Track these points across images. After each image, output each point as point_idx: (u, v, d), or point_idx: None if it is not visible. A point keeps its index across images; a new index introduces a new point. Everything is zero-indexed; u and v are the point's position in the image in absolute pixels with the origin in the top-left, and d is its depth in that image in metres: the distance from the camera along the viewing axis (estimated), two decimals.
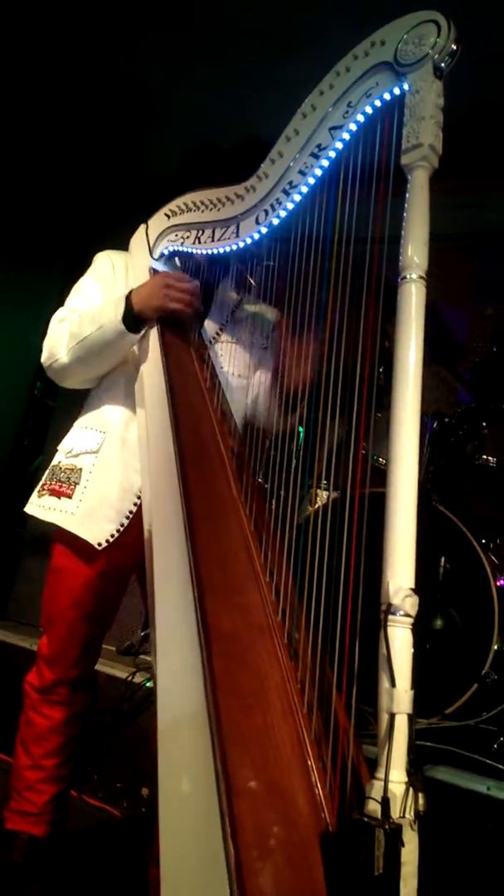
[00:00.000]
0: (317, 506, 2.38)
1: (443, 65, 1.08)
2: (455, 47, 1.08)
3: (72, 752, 1.45)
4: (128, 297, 1.39)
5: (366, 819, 0.80)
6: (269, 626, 1.01)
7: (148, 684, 2.10)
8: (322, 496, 2.51)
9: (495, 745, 1.73)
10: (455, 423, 2.32)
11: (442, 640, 1.90)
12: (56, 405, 3.35)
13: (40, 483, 1.50)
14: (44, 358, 1.49)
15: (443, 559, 1.95)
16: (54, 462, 1.50)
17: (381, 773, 0.83)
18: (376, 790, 0.82)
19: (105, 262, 1.58)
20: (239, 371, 1.50)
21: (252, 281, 1.51)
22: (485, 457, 2.23)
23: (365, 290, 1.13)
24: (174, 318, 1.42)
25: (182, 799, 0.86)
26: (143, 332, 1.41)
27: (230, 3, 2.83)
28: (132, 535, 1.36)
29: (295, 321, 1.59)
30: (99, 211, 3.59)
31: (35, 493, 1.49)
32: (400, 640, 0.86)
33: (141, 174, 3.77)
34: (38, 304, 3.38)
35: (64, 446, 1.50)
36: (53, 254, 3.50)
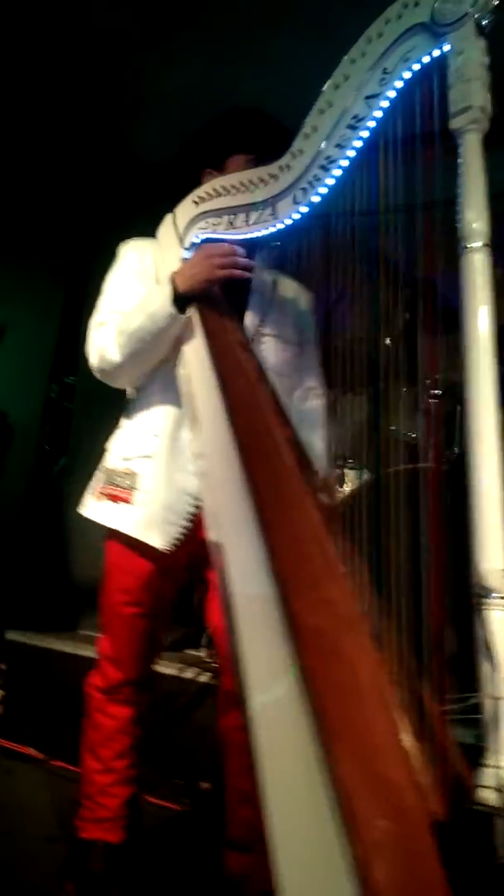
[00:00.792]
0: (352, 486, 2.36)
1: (485, 22, 1.04)
2: (497, 1, 1.03)
3: (138, 754, 1.45)
4: (172, 280, 1.35)
5: (481, 807, 0.78)
6: (352, 617, 0.99)
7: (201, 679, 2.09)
8: (350, 476, 2.49)
9: None
10: None
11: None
12: (74, 407, 3.32)
13: (94, 486, 1.48)
14: (93, 362, 1.47)
15: None
16: (108, 465, 1.48)
17: (491, 760, 0.81)
18: (489, 777, 0.80)
19: (132, 255, 1.54)
20: (284, 369, 1.47)
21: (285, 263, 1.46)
22: None
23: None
24: (214, 299, 1.38)
25: (290, 801, 0.84)
26: (189, 314, 1.36)
27: None
28: (191, 534, 1.36)
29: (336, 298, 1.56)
30: (99, 206, 3.52)
31: (90, 496, 1.47)
32: (497, 623, 0.83)
33: (132, 162, 3.71)
34: (44, 307, 3.35)
35: (117, 449, 1.48)
36: (57, 257, 3.45)
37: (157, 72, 3.29)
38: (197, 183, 1.48)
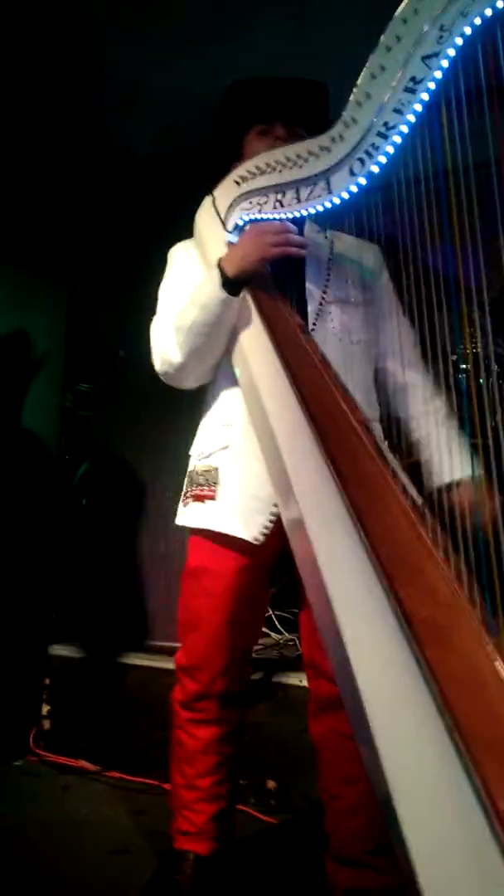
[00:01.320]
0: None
1: None
2: None
3: (229, 770, 1.38)
4: (219, 265, 1.29)
5: None
6: (457, 603, 0.94)
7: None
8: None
9: None
10: None
11: None
12: (89, 415, 3.26)
13: (182, 493, 1.43)
14: (158, 366, 1.42)
15: None
16: (189, 468, 1.43)
17: None
18: None
19: (180, 255, 1.50)
20: (359, 335, 1.37)
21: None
22: None
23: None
24: (266, 281, 1.32)
25: (426, 800, 0.79)
26: (242, 295, 1.30)
27: None
28: (275, 526, 1.29)
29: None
30: (93, 209, 3.45)
31: (181, 505, 1.42)
32: None
33: (118, 160, 3.62)
34: (48, 315, 3.28)
35: (195, 451, 1.44)
36: (57, 267, 3.37)
37: (141, 70, 3.21)
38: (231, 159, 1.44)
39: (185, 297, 1.37)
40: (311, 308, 1.37)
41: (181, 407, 1.71)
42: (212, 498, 1.33)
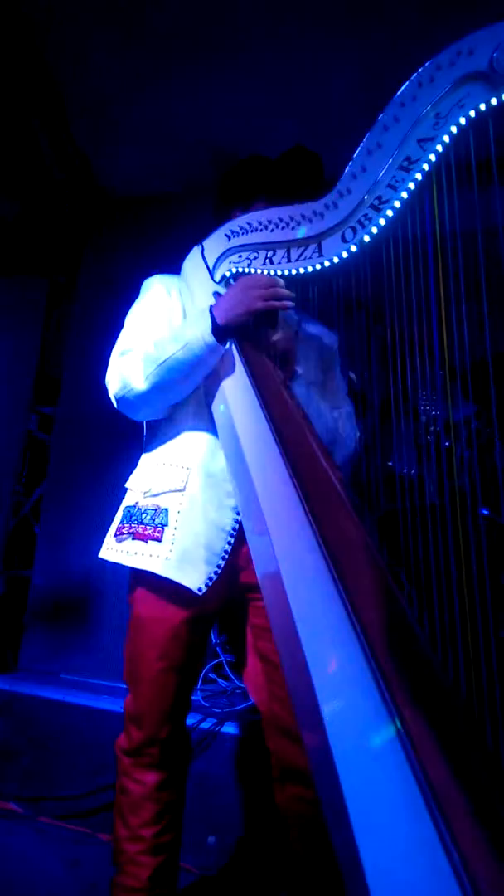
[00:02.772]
0: None
1: None
2: None
3: (171, 820, 1.35)
4: (210, 311, 1.31)
5: None
6: (433, 667, 0.96)
7: (205, 726, 2.01)
8: None
9: None
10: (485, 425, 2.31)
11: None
12: (51, 439, 3.20)
13: (115, 526, 1.39)
14: (115, 390, 1.38)
15: None
16: (128, 503, 1.39)
17: None
18: None
19: (159, 289, 1.49)
20: (319, 411, 1.42)
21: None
22: None
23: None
24: (251, 335, 1.34)
25: (398, 865, 0.79)
26: (228, 345, 1.32)
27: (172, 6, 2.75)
28: (223, 576, 1.29)
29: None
30: (78, 230, 3.47)
31: (111, 538, 1.38)
32: None
33: (96, 193, 3.68)
34: (19, 335, 3.25)
35: (137, 485, 1.40)
36: (35, 282, 3.35)
37: (125, 104, 3.27)
38: (225, 219, 1.46)
39: (165, 330, 1.37)
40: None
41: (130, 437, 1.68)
42: (156, 539, 1.30)
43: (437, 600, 1.13)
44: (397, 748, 0.82)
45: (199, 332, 1.30)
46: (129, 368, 1.36)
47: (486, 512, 2.01)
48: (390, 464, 2.29)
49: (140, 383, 1.34)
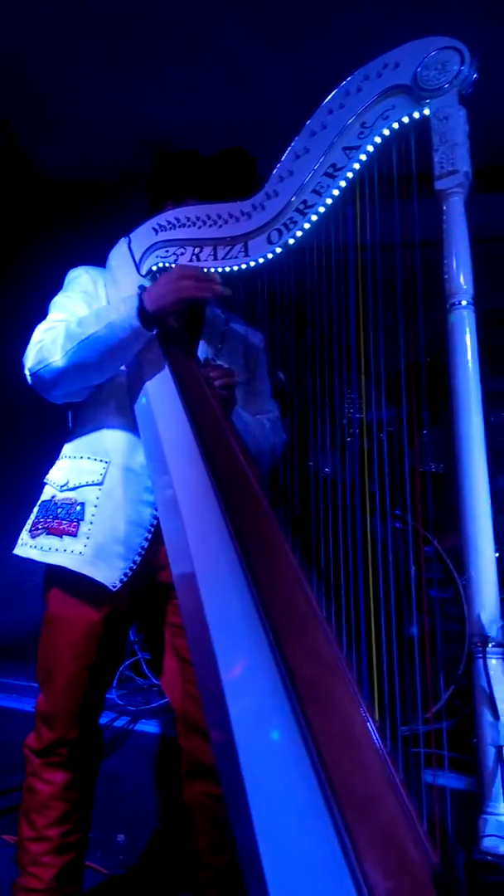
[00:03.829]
0: None
1: (464, 93, 1.10)
2: (476, 75, 1.10)
3: (79, 819, 1.33)
4: (139, 296, 1.28)
5: (490, 857, 0.79)
6: (338, 665, 0.98)
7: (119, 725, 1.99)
8: None
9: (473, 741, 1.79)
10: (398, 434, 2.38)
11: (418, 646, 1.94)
12: None
13: (30, 522, 1.36)
14: (31, 363, 1.33)
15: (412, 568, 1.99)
16: (45, 497, 1.36)
17: (493, 808, 0.83)
18: (493, 826, 0.81)
19: (85, 277, 1.46)
20: (239, 403, 1.43)
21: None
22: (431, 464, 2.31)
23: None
24: (175, 335, 1.34)
25: (295, 863, 0.81)
26: (154, 332, 1.30)
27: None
28: (140, 574, 1.28)
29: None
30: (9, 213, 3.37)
31: (25, 533, 1.34)
32: (496, 672, 0.86)
33: (34, 180, 3.60)
34: None
35: (55, 479, 1.37)
36: None
37: (63, 89, 3.22)
38: (158, 211, 1.45)
39: (90, 312, 1.34)
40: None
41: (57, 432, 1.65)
42: (71, 534, 1.28)
43: (347, 598, 1.16)
44: (299, 745, 0.84)
45: (125, 313, 1.27)
46: (48, 343, 1.31)
47: (398, 512, 2.07)
48: (311, 464, 2.33)
49: (58, 359, 1.29)
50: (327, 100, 1.23)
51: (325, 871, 0.78)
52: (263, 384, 1.59)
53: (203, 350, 1.46)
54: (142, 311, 1.26)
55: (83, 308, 1.39)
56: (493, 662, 0.85)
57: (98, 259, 1.53)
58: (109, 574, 1.26)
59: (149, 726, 1.99)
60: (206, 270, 1.31)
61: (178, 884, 1.62)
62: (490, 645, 0.86)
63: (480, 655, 0.86)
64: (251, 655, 0.92)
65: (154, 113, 3.20)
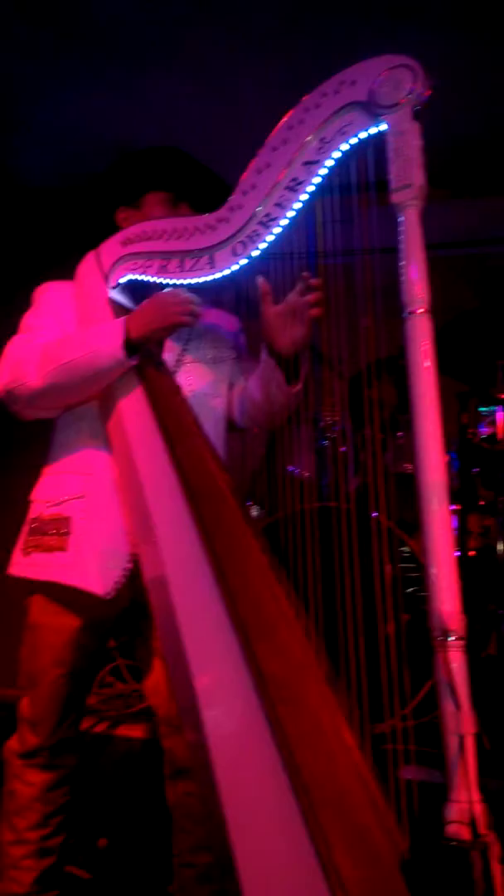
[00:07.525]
0: None
1: (418, 108, 1.14)
2: (430, 92, 1.14)
3: (60, 822, 1.35)
4: (125, 324, 1.30)
5: (455, 843, 0.83)
6: (307, 663, 1.01)
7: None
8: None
9: None
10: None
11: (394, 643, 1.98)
12: None
13: (21, 540, 1.38)
14: (7, 380, 1.35)
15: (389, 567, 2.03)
16: (33, 515, 1.39)
17: (457, 795, 0.86)
18: (457, 812, 0.85)
19: (52, 296, 1.49)
20: (213, 390, 1.46)
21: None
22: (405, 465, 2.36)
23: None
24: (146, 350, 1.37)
25: (268, 857, 0.84)
26: (136, 360, 1.33)
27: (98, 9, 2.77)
28: (126, 582, 1.30)
29: None
30: None
31: (18, 553, 1.37)
32: (457, 663, 0.89)
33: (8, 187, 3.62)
34: None
35: (41, 497, 1.40)
36: None
37: (38, 97, 3.26)
38: (111, 219, 1.51)
39: (74, 334, 1.37)
40: (170, 361, 1.45)
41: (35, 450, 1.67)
42: (60, 549, 1.31)
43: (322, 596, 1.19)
44: (270, 745, 0.88)
45: (110, 343, 1.29)
46: (24, 362, 1.34)
47: (374, 515, 2.11)
48: (290, 468, 2.37)
49: (35, 379, 1.32)
50: (288, 116, 1.26)
51: (297, 865, 0.81)
52: (251, 362, 1.56)
53: (171, 344, 1.48)
54: (127, 341, 1.29)
55: (54, 326, 1.42)
56: (453, 654, 0.89)
57: (69, 270, 1.55)
58: (105, 584, 1.28)
59: (129, 730, 2.01)
60: (186, 294, 1.34)
61: (160, 888, 1.64)
62: (451, 637, 0.90)
63: (442, 648, 0.90)
64: (222, 655, 0.96)
65: (129, 122, 3.24)
